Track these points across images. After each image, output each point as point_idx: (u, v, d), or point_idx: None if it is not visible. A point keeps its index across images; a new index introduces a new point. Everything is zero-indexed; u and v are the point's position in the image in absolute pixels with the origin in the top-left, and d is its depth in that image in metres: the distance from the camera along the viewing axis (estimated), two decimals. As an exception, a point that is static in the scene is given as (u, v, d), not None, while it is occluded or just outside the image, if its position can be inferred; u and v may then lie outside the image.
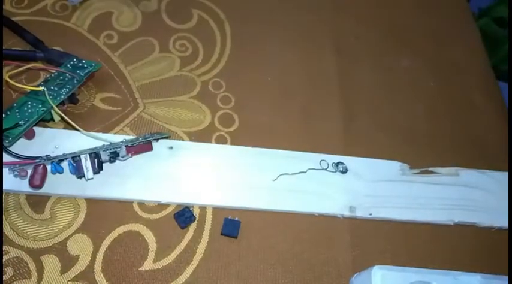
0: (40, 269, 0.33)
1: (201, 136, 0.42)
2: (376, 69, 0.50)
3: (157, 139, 0.40)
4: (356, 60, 0.50)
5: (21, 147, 0.36)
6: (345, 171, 0.41)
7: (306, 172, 0.40)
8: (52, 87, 0.39)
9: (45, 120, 0.39)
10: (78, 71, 0.41)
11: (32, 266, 0.34)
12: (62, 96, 0.39)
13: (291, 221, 0.38)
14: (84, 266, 0.34)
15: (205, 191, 0.38)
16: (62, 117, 0.37)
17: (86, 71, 0.41)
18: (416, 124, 0.46)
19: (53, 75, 0.41)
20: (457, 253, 0.39)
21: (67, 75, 0.41)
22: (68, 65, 0.42)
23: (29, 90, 0.39)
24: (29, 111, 0.37)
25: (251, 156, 0.41)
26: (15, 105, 0.37)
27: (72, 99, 0.41)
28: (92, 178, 0.36)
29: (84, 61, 0.42)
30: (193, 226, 0.37)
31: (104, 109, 0.42)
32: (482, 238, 0.40)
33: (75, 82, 0.40)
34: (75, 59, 0.42)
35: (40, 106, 0.38)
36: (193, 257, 0.36)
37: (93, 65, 0.42)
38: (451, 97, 0.49)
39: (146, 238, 0.36)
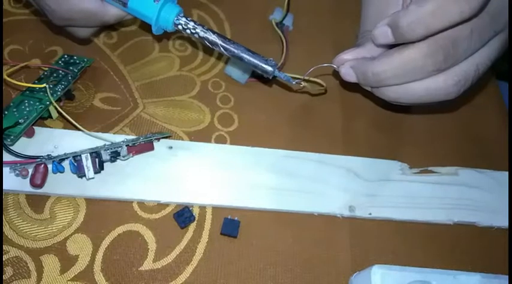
0: (39, 269, 0.33)
1: (201, 136, 0.42)
2: (375, 68, 0.50)
3: (158, 139, 0.40)
4: (356, 60, 0.50)
5: (20, 146, 0.36)
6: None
7: (305, 171, 0.40)
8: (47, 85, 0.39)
9: (43, 118, 0.39)
10: (71, 67, 0.41)
11: (32, 266, 0.34)
12: (59, 93, 0.39)
13: (290, 220, 0.38)
14: (84, 266, 0.34)
15: (205, 191, 0.38)
16: (61, 114, 0.37)
17: (79, 67, 0.42)
18: (416, 124, 0.46)
19: (45, 73, 0.41)
20: (456, 252, 0.39)
21: (60, 72, 0.41)
22: (60, 62, 0.42)
23: (24, 89, 0.39)
24: (27, 109, 0.37)
25: (250, 156, 0.41)
26: (11, 104, 0.37)
27: (69, 95, 0.41)
28: (93, 178, 0.36)
29: (75, 57, 0.43)
30: (192, 226, 0.37)
31: (103, 109, 0.42)
32: (482, 237, 0.40)
33: (70, 78, 0.40)
34: (66, 56, 0.43)
35: (38, 103, 0.38)
36: (192, 257, 0.36)
37: (86, 60, 0.43)
38: (451, 97, 0.49)
39: (146, 238, 0.36)
